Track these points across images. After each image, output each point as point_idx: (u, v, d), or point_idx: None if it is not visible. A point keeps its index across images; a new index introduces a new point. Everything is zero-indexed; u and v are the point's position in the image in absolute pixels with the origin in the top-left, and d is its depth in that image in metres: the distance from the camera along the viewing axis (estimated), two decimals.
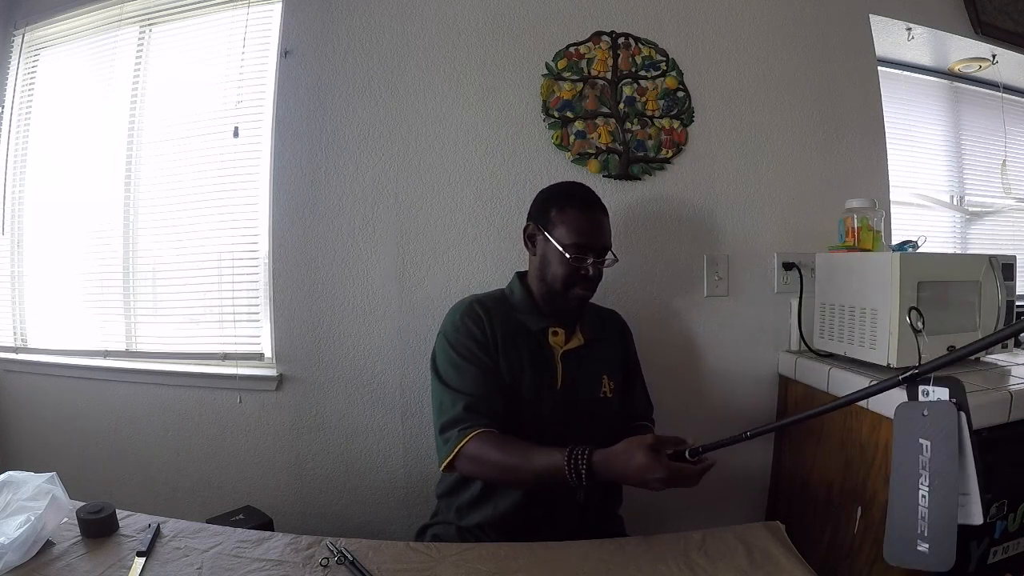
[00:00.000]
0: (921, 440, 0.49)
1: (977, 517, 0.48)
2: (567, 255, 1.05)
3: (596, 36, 1.46)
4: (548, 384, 1.08)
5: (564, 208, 1.08)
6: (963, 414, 0.47)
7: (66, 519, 0.87)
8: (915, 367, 0.49)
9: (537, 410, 1.06)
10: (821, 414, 0.57)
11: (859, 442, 1.25)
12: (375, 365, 1.43)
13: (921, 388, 0.50)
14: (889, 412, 1.14)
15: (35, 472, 0.90)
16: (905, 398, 0.51)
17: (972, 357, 1.32)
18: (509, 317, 1.11)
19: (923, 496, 0.48)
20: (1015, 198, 2.14)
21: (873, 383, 0.50)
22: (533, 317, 1.11)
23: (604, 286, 1.45)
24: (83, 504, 0.90)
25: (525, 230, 1.16)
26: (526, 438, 0.99)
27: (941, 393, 0.49)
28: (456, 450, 0.97)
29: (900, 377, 0.49)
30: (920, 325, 0.62)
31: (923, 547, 0.47)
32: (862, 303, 1.30)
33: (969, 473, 0.47)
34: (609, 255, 1.11)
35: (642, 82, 1.47)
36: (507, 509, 1.05)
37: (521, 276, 1.18)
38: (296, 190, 1.43)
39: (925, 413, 0.49)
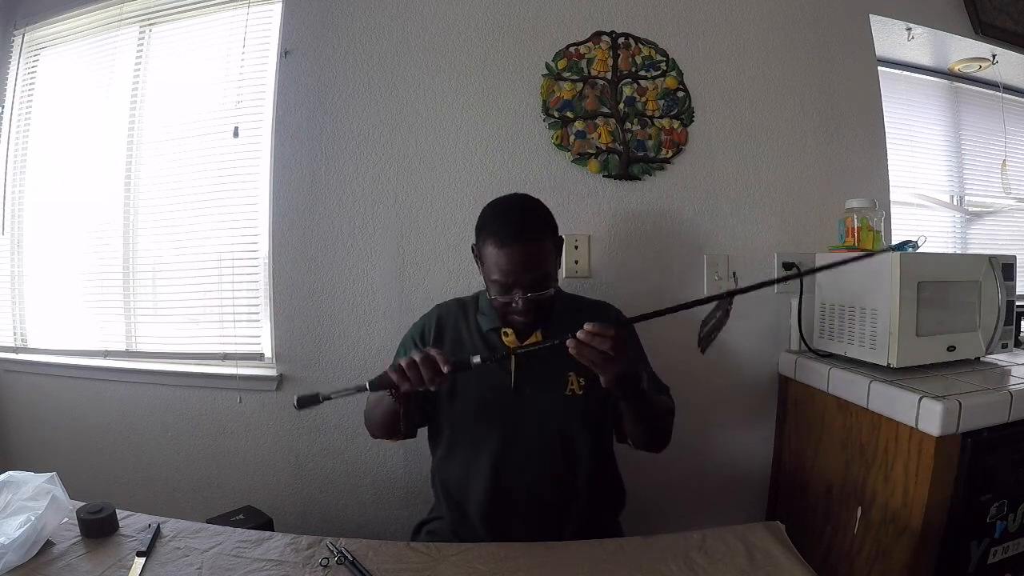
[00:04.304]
0: None
1: None
2: (490, 289, 1.02)
3: (596, 36, 1.46)
4: (498, 384, 1.05)
5: (485, 239, 1.01)
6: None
7: (66, 519, 0.87)
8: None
9: (488, 411, 1.05)
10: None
11: (859, 442, 1.25)
12: (375, 365, 1.43)
13: None
14: (890, 412, 1.15)
15: (35, 472, 0.90)
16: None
17: (972, 357, 1.32)
18: (468, 319, 1.12)
19: None
20: (1015, 198, 2.14)
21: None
22: (488, 318, 1.10)
23: (604, 285, 1.45)
24: (83, 504, 0.90)
25: (472, 250, 1.10)
26: (477, 434, 1.05)
27: None
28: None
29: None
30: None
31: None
32: (862, 303, 1.30)
33: None
34: (552, 284, 1.01)
35: (642, 82, 1.47)
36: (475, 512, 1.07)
37: None
38: (296, 190, 1.43)
39: None
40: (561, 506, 1.07)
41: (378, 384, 0.86)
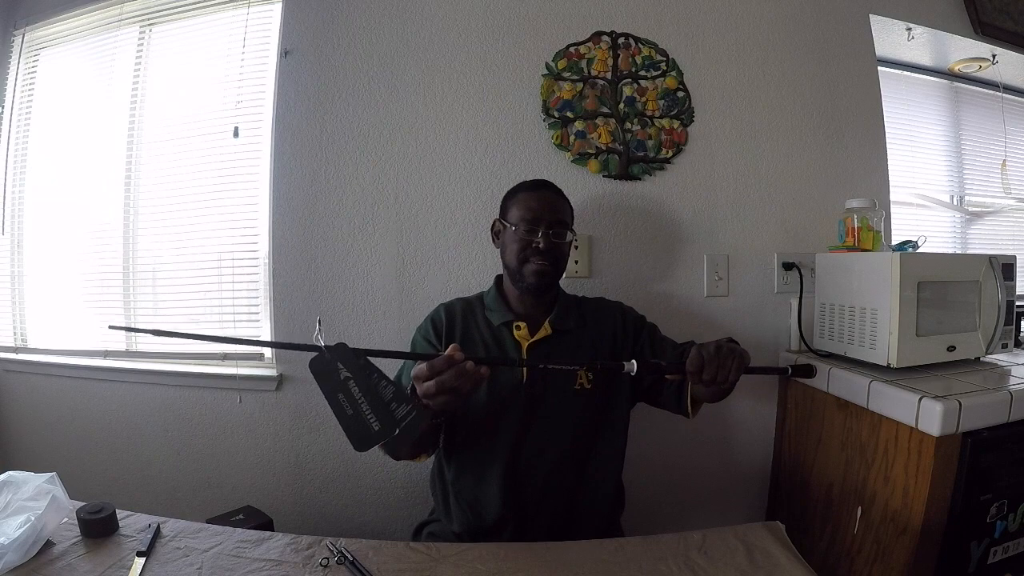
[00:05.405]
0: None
1: None
2: (517, 228, 1.08)
3: (596, 36, 1.46)
4: (510, 379, 1.05)
5: (516, 194, 1.14)
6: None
7: (66, 519, 0.87)
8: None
9: (500, 405, 1.05)
10: None
11: (859, 442, 1.25)
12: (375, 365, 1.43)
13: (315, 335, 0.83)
14: (889, 412, 1.15)
15: (35, 472, 0.90)
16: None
17: (972, 357, 1.32)
18: (475, 315, 1.13)
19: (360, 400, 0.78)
20: (1015, 198, 2.14)
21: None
22: (498, 313, 1.12)
23: (604, 286, 1.45)
24: (83, 504, 0.90)
25: (492, 228, 1.19)
26: (491, 433, 1.03)
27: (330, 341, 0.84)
28: None
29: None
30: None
31: (376, 426, 0.75)
32: (862, 303, 1.30)
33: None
34: (569, 234, 1.12)
35: (642, 82, 1.47)
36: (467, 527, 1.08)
37: (498, 277, 1.20)
38: (296, 190, 1.43)
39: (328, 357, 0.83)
40: (571, 506, 1.07)
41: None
